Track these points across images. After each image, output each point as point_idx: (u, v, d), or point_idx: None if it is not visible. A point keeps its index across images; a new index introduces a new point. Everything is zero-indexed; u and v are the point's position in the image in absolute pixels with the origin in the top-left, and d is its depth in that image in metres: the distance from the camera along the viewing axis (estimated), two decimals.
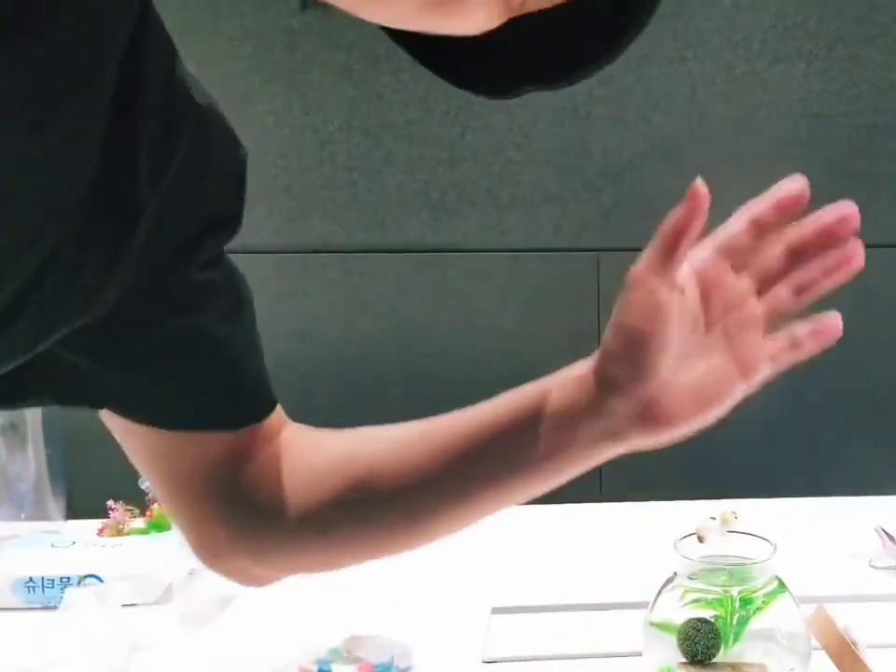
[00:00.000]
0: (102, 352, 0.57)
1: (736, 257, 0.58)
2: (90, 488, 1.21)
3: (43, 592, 1.04)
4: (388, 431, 0.64)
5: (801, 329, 0.57)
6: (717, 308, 0.57)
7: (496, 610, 1.04)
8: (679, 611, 0.83)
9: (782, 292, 0.57)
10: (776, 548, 0.85)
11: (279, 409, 0.69)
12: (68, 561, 1.07)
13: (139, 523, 1.20)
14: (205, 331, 0.60)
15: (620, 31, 0.49)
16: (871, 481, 1.43)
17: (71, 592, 0.97)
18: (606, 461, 0.60)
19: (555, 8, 0.49)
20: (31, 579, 1.05)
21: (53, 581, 1.04)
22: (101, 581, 1.04)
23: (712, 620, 0.82)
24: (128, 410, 0.60)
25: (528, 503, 0.59)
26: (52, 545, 1.11)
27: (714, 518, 0.88)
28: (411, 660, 0.91)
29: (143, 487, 1.01)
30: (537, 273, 1.70)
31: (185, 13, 1.61)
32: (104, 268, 0.53)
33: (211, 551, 0.67)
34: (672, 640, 0.82)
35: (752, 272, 0.57)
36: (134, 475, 1.01)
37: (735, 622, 0.82)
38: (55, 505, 1.21)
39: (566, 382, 0.58)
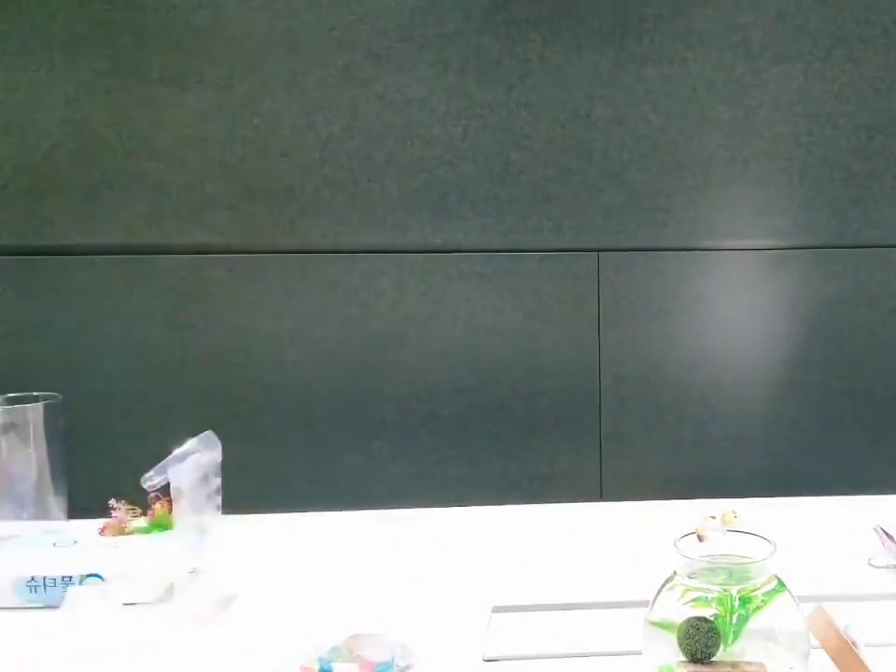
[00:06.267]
0: None
1: None
2: (91, 487, 1.21)
3: (45, 591, 1.05)
4: None
5: None
6: None
7: (496, 609, 1.04)
8: (679, 610, 0.83)
9: None
10: (775, 547, 0.85)
11: None
12: (70, 560, 1.07)
13: (141, 522, 1.20)
14: None
15: None
16: (870, 480, 1.44)
17: (72, 591, 0.97)
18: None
19: None
20: (32, 578, 1.05)
21: (55, 580, 1.05)
22: (102, 580, 1.04)
23: (712, 619, 0.82)
24: None
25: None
26: (54, 544, 1.11)
27: (714, 517, 0.88)
28: (411, 658, 0.92)
29: (145, 486, 1.01)
30: (537, 273, 1.70)
31: (190, 15, 1.61)
32: None
33: None
34: (672, 639, 0.82)
35: None
36: (136, 474, 1.01)
37: (734, 620, 0.82)
38: (57, 504, 1.21)
39: None
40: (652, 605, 0.85)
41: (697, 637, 0.81)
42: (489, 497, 1.42)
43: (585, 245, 1.69)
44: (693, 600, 0.83)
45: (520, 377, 1.70)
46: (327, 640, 0.91)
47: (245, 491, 1.38)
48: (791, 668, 0.83)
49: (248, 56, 1.63)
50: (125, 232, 1.66)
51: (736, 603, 0.82)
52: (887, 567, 1.12)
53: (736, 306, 1.71)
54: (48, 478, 1.21)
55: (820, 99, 1.67)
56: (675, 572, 0.85)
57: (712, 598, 0.83)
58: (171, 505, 1.03)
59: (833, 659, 0.83)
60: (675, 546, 0.85)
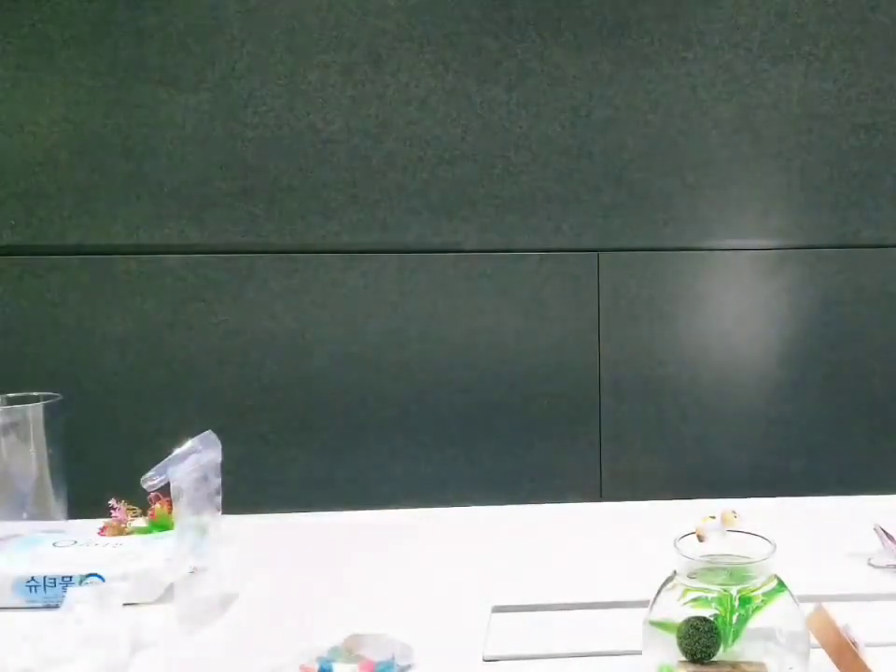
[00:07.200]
0: None
1: None
2: (91, 487, 1.21)
3: (44, 591, 1.05)
4: None
5: None
6: None
7: (496, 609, 1.04)
8: (679, 610, 0.83)
9: None
10: (775, 547, 0.85)
11: None
12: (70, 560, 1.07)
13: (141, 522, 1.20)
14: None
15: None
16: (870, 480, 1.44)
17: (72, 591, 0.97)
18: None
19: None
20: (32, 578, 1.05)
21: (55, 580, 1.05)
22: (102, 580, 1.04)
23: (712, 619, 0.82)
24: None
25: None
26: (54, 544, 1.11)
27: (714, 517, 0.88)
28: (411, 658, 0.91)
29: (145, 486, 1.01)
30: (537, 273, 1.70)
31: (187, 14, 1.61)
32: None
33: None
34: (672, 639, 0.82)
35: None
36: (136, 474, 1.01)
37: (734, 620, 0.82)
38: (56, 504, 1.21)
39: None
40: (652, 605, 0.85)
41: (697, 637, 0.81)
42: (489, 497, 1.42)
43: (585, 245, 1.69)
44: (693, 600, 0.83)
45: (520, 377, 1.70)
46: (327, 640, 0.91)
47: (244, 491, 1.38)
48: (790, 668, 0.83)
49: (248, 56, 1.63)
50: (125, 232, 1.66)
51: (736, 603, 0.82)
52: (887, 566, 1.12)
53: (736, 306, 1.71)
54: (48, 478, 1.21)
55: (820, 99, 1.67)
56: (675, 572, 0.85)
57: (712, 598, 0.82)
58: (171, 505, 1.03)
59: (832, 659, 0.83)
60: (675, 546, 0.85)
